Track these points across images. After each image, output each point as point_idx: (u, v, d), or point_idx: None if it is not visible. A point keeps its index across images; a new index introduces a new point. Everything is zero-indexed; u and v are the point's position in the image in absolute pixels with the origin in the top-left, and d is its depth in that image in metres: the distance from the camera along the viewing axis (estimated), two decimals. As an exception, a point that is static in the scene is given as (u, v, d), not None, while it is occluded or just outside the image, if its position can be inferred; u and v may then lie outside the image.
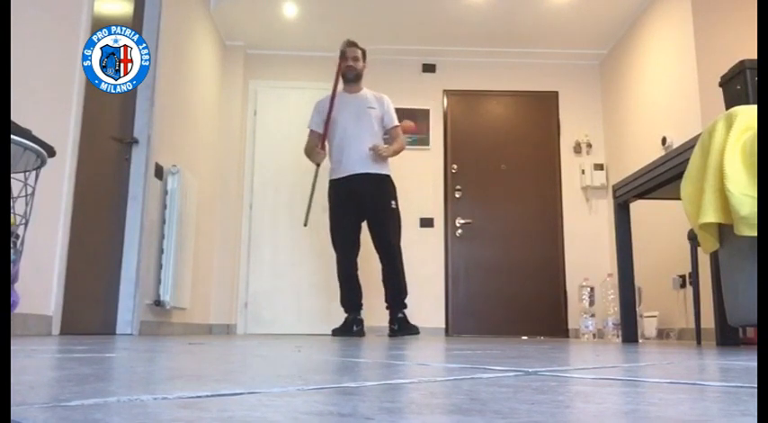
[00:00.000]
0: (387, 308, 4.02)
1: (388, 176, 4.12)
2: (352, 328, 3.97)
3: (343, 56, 4.29)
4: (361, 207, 4.06)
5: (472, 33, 5.67)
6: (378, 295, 4.09)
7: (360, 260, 4.13)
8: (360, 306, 4.06)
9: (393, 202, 4.07)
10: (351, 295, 4.04)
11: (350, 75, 4.27)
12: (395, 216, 4.06)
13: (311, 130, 4.29)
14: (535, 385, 0.77)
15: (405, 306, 4.00)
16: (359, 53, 4.31)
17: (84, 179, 3.15)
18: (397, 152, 4.22)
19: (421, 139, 5.81)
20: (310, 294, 5.48)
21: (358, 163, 4.08)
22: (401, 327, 3.92)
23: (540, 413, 0.52)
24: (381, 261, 4.03)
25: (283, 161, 5.71)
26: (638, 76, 5.24)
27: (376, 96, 4.31)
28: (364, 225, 4.13)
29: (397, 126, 4.30)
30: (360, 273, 4.11)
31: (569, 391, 0.73)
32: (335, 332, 4.02)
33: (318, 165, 4.26)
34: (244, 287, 5.52)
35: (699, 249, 3.17)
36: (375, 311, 4.29)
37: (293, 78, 5.92)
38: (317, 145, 4.22)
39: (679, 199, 2.36)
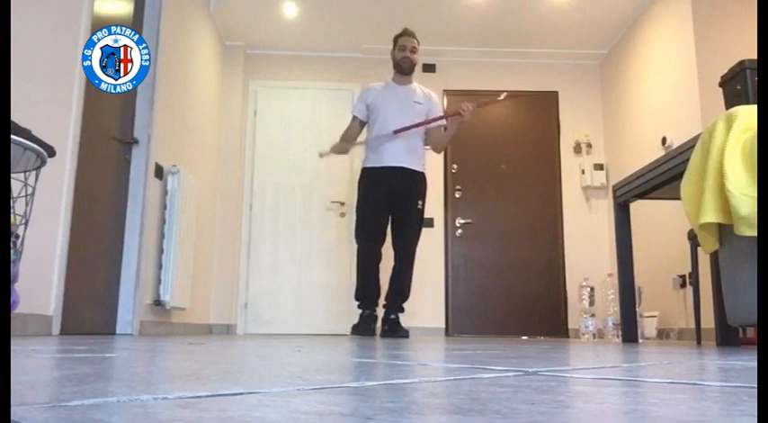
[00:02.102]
0: (383, 305, 3.94)
1: (422, 174, 4.01)
2: (369, 325, 3.82)
3: (399, 44, 4.12)
4: (391, 202, 3.94)
5: (472, 33, 5.67)
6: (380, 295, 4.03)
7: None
8: (377, 302, 3.91)
9: (420, 202, 3.96)
10: (369, 288, 3.87)
11: (406, 66, 4.09)
12: (418, 217, 3.95)
13: (354, 116, 4.14)
14: (535, 385, 0.77)
15: (401, 310, 3.92)
16: (416, 43, 4.12)
17: (84, 179, 3.15)
18: (449, 140, 4.17)
19: (421, 139, 5.80)
20: (310, 294, 5.48)
21: (395, 156, 3.94)
22: (392, 328, 3.85)
23: (540, 413, 0.52)
24: (395, 259, 3.93)
25: (283, 161, 5.72)
26: (638, 76, 5.24)
27: (424, 92, 4.15)
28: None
29: (442, 127, 4.15)
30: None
31: (569, 391, 0.73)
32: (355, 330, 3.87)
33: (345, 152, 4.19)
34: (243, 287, 5.52)
35: (699, 249, 3.17)
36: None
37: (293, 78, 5.92)
38: (355, 137, 4.13)
39: (679, 199, 2.36)
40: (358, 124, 4.14)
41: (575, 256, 5.64)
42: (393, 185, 3.92)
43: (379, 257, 3.92)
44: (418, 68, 5.90)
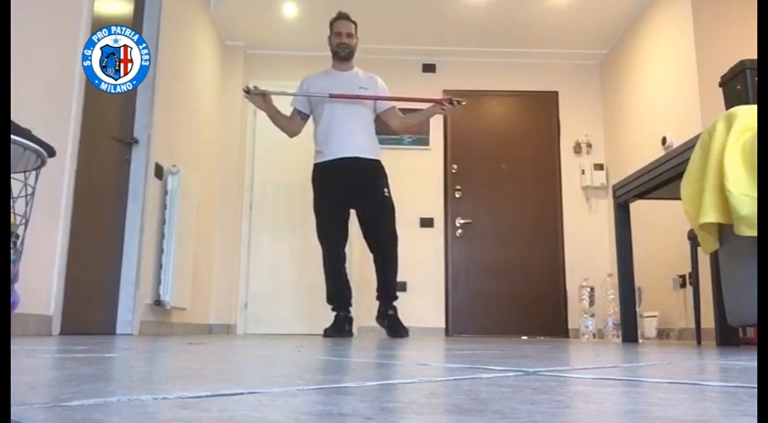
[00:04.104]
0: (377, 298, 3.78)
1: (379, 162, 3.80)
2: (344, 326, 3.70)
3: (334, 30, 3.92)
4: (351, 194, 3.71)
5: (472, 33, 5.67)
6: (370, 295, 3.98)
7: (351, 255, 3.88)
8: (350, 303, 3.77)
9: (386, 190, 3.76)
10: (340, 291, 3.73)
11: (342, 52, 3.89)
12: (388, 204, 3.74)
13: (294, 109, 3.92)
14: (535, 385, 0.77)
15: (395, 298, 3.75)
16: (352, 28, 3.92)
17: (84, 179, 3.15)
18: (420, 123, 4.12)
19: (421, 140, 5.81)
20: (310, 294, 5.47)
21: (347, 146, 3.71)
22: (391, 325, 3.71)
23: (540, 413, 0.52)
24: (373, 250, 3.74)
25: (283, 161, 5.71)
26: (638, 76, 5.24)
27: (368, 76, 3.94)
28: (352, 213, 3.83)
29: (393, 107, 3.95)
30: (352, 270, 3.87)
31: (569, 391, 0.73)
32: (327, 332, 3.72)
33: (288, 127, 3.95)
34: (244, 287, 5.52)
35: (699, 249, 3.17)
36: (367, 311, 4.24)
37: (293, 78, 5.86)
38: (293, 130, 3.93)
39: (679, 199, 2.36)
40: (299, 117, 3.92)
41: (575, 256, 5.64)
42: (351, 178, 3.70)
43: (344, 258, 3.75)
44: (418, 68, 5.97)
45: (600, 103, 5.97)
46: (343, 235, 3.76)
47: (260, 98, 3.79)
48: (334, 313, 3.76)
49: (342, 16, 3.97)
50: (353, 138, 3.76)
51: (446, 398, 0.65)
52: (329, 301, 3.78)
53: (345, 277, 3.77)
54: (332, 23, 3.99)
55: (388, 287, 3.76)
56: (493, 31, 5.64)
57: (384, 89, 3.98)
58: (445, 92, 5.91)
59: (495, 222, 5.74)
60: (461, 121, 5.90)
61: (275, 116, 3.90)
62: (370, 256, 3.85)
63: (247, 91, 3.81)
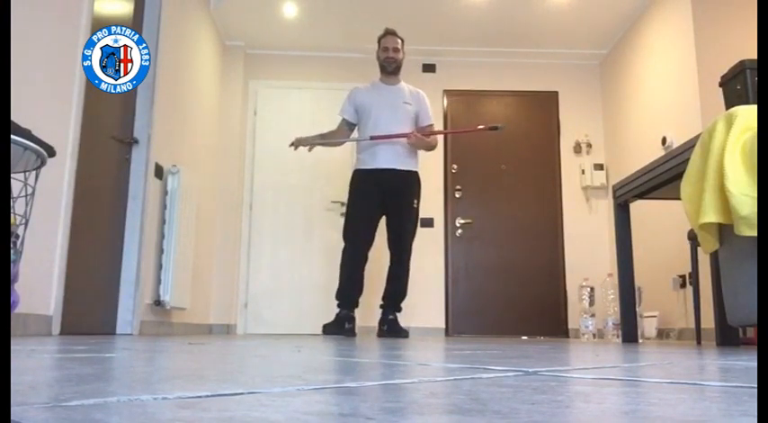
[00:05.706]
0: (381, 306, 3.91)
1: (416, 174, 4.01)
2: (344, 325, 3.77)
3: (382, 45, 4.13)
4: (384, 202, 3.92)
5: (472, 33, 5.67)
6: (376, 295, 4.02)
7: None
8: (356, 303, 3.88)
9: (415, 202, 3.96)
10: (350, 289, 3.84)
11: (390, 66, 4.09)
12: (414, 215, 3.95)
13: (342, 119, 4.15)
14: (535, 385, 0.77)
15: (399, 309, 3.89)
16: (399, 43, 4.11)
17: (84, 179, 3.15)
18: (428, 147, 4.09)
19: (421, 139, 5.80)
20: (310, 294, 5.48)
21: (388, 157, 3.93)
22: (391, 328, 3.80)
23: (540, 413, 0.52)
24: (391, 259, 3.92)
25: (283, 161, 5.71)
26: (638, 76, 5.24)
27: (413, 91, 4.14)
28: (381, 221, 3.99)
29: (431, 124, 4.16)
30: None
31: (569, 391, 0.73)
32: (326, 329, 3.80)
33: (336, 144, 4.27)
34: (244, 287, 5.52)
35: (699, 249, 3.17)
36: (372, 311, 4.25)
37: (293, 78, 5.92)
38: (338, 132, 4.16)
39: (679, 199, 2.36)
40: (346, 126, 4.15)
41: (575, 256, 5.64)
42: (386, 186, 3.91)
43: (365, 260, 3.87)
44: (418, 68, 5.97)
45: (600, 103, 5.97)
46: (370, 236, 3.90)
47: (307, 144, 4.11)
48: (338, 310, 3.85)
49: (389, 32, 4.16)
50: (395, 149, 3.96)
51: (446, 398, 0.65)
52: (338, 296, 3.88)
53: (361, 278, 3.88)
54: (380, 39, 4.18)
55: (392, 296, 3.89)
56: (493, 31, 5.64)
57: (427, 105, 4.16)
58: (445, 92, 5.92)
59: (494, 222, 5.74)
60: (462, 122, 5.90)
61: (323, 143, 4.21)
62: (379, 261, 3.99)
63: (295, 147, 4.14)
